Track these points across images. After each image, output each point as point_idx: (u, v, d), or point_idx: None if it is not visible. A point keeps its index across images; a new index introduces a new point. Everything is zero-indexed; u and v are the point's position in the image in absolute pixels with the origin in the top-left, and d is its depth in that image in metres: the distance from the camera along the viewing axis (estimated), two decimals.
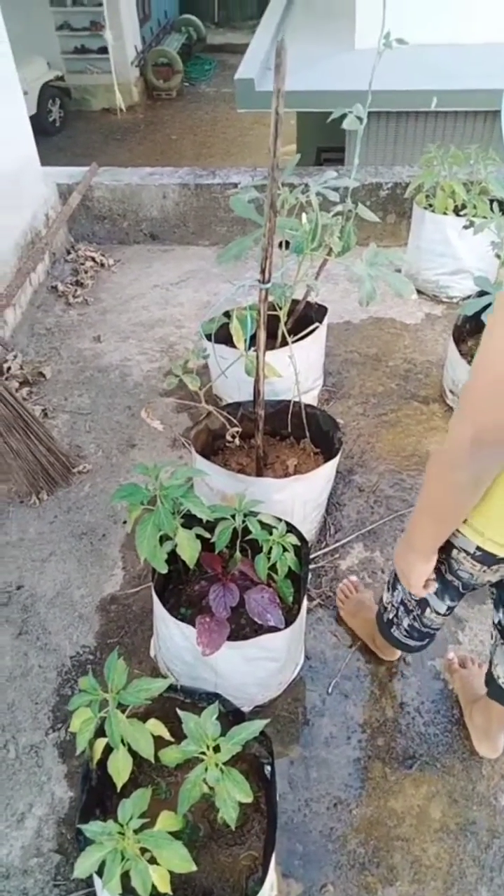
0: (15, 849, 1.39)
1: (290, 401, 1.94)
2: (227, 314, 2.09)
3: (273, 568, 1.48)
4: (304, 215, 1.96)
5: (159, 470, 1.44)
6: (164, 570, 1.41)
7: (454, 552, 1.12)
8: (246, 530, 1.52)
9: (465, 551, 1.09)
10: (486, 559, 1.07)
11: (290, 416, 1.95)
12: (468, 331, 2.34)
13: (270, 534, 1.52)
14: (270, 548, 1.49)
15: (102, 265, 3.14)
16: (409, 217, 3.10)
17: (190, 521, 1.45)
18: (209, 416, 1.90)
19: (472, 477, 0.95)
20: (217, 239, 3.25)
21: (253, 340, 1.76)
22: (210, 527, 1.49)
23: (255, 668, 1.46)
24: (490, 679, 1.35)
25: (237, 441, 1.90)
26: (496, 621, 1.26)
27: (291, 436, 2.01)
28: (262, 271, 1.56)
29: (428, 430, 2.28)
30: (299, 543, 1.53)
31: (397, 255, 1.91)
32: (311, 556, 1.89)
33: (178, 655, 1.48)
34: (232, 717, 1.30)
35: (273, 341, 1.98)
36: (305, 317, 2.22)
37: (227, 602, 1.38)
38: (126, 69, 8.06)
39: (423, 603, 1.29)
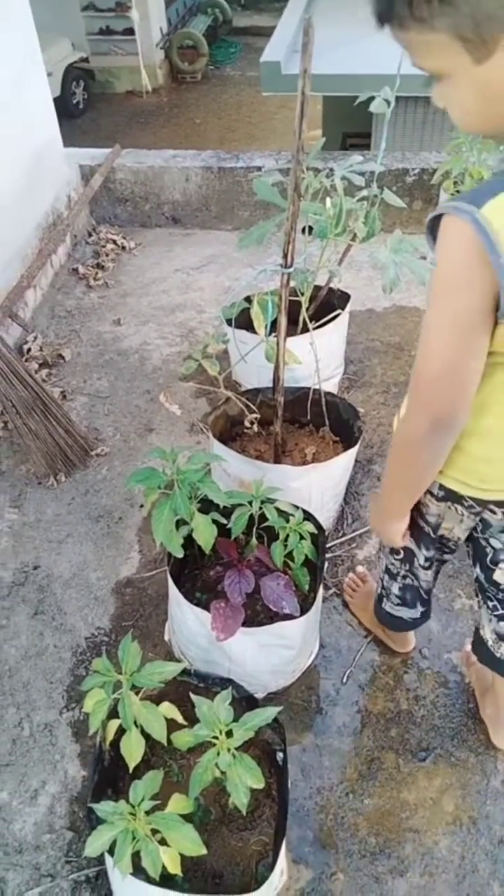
0: (28, 824, 1.41)
1: (309, 388, 1.92)
2: (248, 299, 2.07)
3: (289, 555, 1.47)
4: (328, 199, 1.93)
5: (177, 454, 1.44)
6: (179, 554, 1.41)
7: (421, 496, 1.15)
8: (263, 517, 1.51)
9: (430, 492, 1.14)
10: (449, 496, 1.11)
11: (309, 403, 1.93)
12: None
13: (287, 521, 1.51)
14: (287, 535, 1.48)
15: (124, 248, 3.13)
16: (436, 204, 3.05)
17: (207, 506, 1.45)
18: (228, 401, 1.89)
19: (433, 454, 1.01)
20: (239, 223, 3.22)
21: (274, 326, 1.74)
22: (227, 512, 1.49)
23: (269, 654, 1.46)
24: (478, 641, 1.34)
25: (255, 427, 1.89)
26: (474, 577, 1.26)
27: (311, 423, 1.99)
28: (285, 255, 1.54)
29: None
30: (316, 532, 1.52)
31: (422, 242, 1.87)
32: (328, 545, 1.88)
33: (193, 640, 1.48)
34: (245, 702, 1.30)
35: (294, 327, 1.96)
36: (328, 303, 2.19)
37: (242, 588, 1.38)
38: (151, 51, 7.99)
39: (405, 559, 1.31)
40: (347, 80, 3.46)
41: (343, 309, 2.19)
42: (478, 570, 1.24)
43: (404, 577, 1.35)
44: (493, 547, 1.17)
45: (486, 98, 0.82)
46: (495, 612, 1.26)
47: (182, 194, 3.14)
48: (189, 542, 1.45)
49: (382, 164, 2.19)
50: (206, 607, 1.41)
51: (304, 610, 1.43)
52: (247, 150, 3.18)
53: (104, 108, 7.75)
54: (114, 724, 1.21)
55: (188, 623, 1.45)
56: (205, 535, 1.41)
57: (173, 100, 8.69)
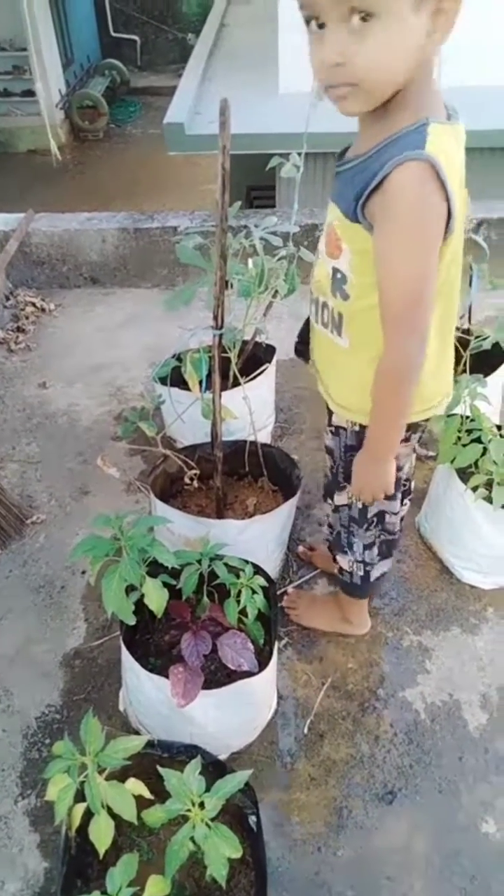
0: None
1: (246, 441, 1.95)
2: (176, 357, 2.10)
3: (242, 611, 1.48)
4: (249, 260, 2.00)
5: (122, 520, 1.43)
6: (132, 622, 1.39)
7: None
8: (212, 574, 1.52)
9: None
10: (413, 431, 1.34)
11: (247, 455, 1.97)
12: None
13: (238, 577, 1.52)
14: (239, 591, 1.49)
15: (43, 310, 3.11)
16: None
17: (154, 568, 1.44)
18: (166, 459, 1.90)
19: (419, 373, 1.16)
20: (158, 281, 3.27)
21: (206, 382, 1.78)
22: (175, 573, 1.48)
23: (231, 714, 1.45)
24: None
25: (196, 483, 1.90)
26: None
27: (249, 475, 2.02)
28: (215, 318, 1.59)
29: None
30: (267, 584, 1.53)
31: None
32: (277, 594, 1.89)
33: (152, 708, 1.45)
34: (212, 768, 1.28)
35: (225, 382, 1.99)
36: (254, 356, 2.25)
37: (199, 650, 1.37)
38: (52, 111, 8.08)
39: (380, 518, 1.50)
40: (249, 139, 3.63)
41: (270, 361, 2.26)
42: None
43: (381, 536, 1.53)
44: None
45: (403, 46, 0.94)
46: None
47: (99, 255, 3.17)
48: (139, 607, 1.43)
49: (296, 223, 2.31)
50: (163, 673, 1.39)
51: (261, 664, 1.44)
52: (161, 211, 3.26)
53: (6, 168, 7.74)
54: (79, 809, 1.16)
55: (146, 692, 1.43)
56: (157, 600, 1.40)
57: (77, 157, 8.78)
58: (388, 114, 1.03)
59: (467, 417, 1.85)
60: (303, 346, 1.50)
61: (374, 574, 1.60)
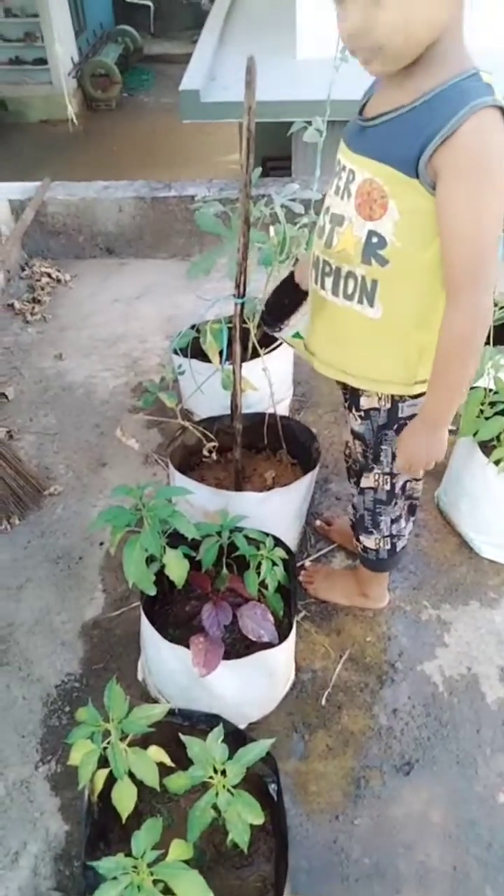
0: (11, 891, 1.34)
1: (265, 413, 1.94)
2: (195, 328, 2.08)
3: (262, 583, 1.48)
4: (271, 228, 1.97)
5: (142, 491, 1.42)
6: (153, 592, 1.39)
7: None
8: (232, 546, 1.51)
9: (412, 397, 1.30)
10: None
11: (265, 428, 1.95)
12: None
13: (258, 549, 1.51)
14: (259, 563, 1.48)
15: (59, 281, 3.09)
16: None
17: (174, 540, 1.44)
18: (185, 431, 1.89)
19: None
20: (175, 251, 3.23)
21: (226, 353, 1.76)
22: (195, 544, 1.48)
23: (250, 685, 1.45)
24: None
25: (214, 456, 1.89)
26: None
27: (268, 448, 2.01)
28: (238, 286, 1.56)
29: None
30: (287, 557, 1.53)
31: None
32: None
33: (171, 678, 1.46)
34: (232, 737, 1.28)
35: (244, 353, 1.98)
36: None
37: (220, 621, 1.37)
38: (64, 80, 7.96)
39: (403, 490, 1.48)
40: (265, 107, 3.54)
41: None
42: None
43: (408, 505, 1.54)
44: None
45: (424, 11, 0.95)
46: None
47: (115, 225, 3.13)
48: (159, 577, 1.43)
49: (318, 190, 2.26)
50: (182, 643, 1.40)
51: (280, 636, 1.44)
52: (178, 180, 3.21)
53: (18, 139, 7.65)
54: (101, 775, 1.17)
55: (166, 662, 1.43)
56: (178, 570, 1.40)
57: (89, 128, 8.66)
58: (425, 68, 1.01)
59: (490, 390, 1.82)
60: (271, 318, 1.45)
61: (400, 544, 1.59)
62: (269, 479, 1.91)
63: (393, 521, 1.54)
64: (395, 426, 1.36)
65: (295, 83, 3.84)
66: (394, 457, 1.38)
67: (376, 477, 1.46)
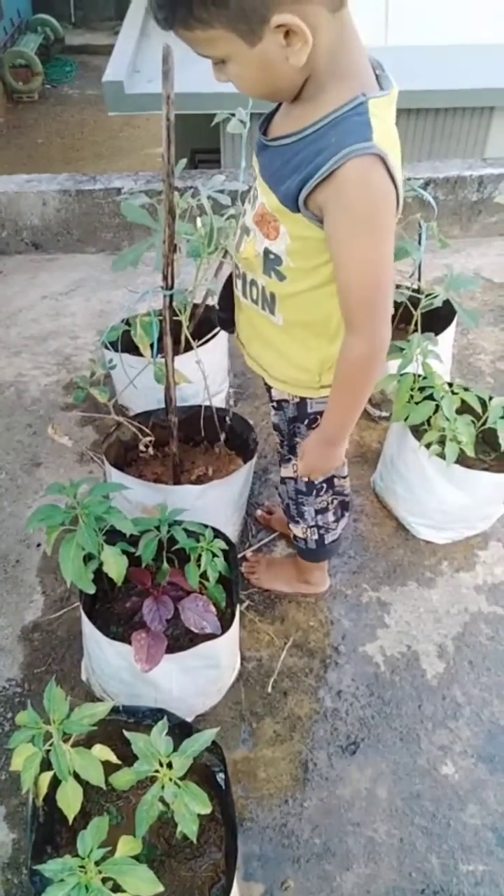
0: None
1: (200, 406, 1.93)
2: (126, 321, 2.05)
3: (203, 575, 1.48)
4: (198, 220, 1.96)
5: (76, 488, 1.40)
6: (91, 590, 1.38)
7: None
8: (171, 540, 1.51)
9: None
10: None
11: (202, 420, 1.95)
12: None
13: (197, 541, 1.51)
14: (199, 555, 1.48)
15: None
16: None
17: (112, 536, 1.42)
18: (119, 427, 1.86)
19: None
20: (104, 245, 3.17)
21: (158, 347, 1.74)
22: (133, 540, 1.47)
23: (195, 677, 1.45)
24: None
25: (151, 451, 1.87)
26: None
27: (205, 440, 2.00)
28: (165, 278, 1.54)
29: None
30: (227, 547, 1.53)
31: None
32: (238, 558, 1.89)
33: (115, 675, 1.44)
34: (178, 730, 1.28)
35: (177, 346, 1.96)
36: (206, 320, 2.21)
37: (161, 615, 1.36)
38: None
39: (330, 484, 1.52)
40: (193, 99, 3.52)
41: None
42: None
43: (332, 502, 1.56)
44: None
45: (263, 70, 0.98)
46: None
47: (41, 219, 3.05)
48: (98, 575, 1.41)
49: (243, 182, 2.26)
50: (125, 640, 1.38)
51: (223, 627, 1.44)
52: (104, 173, 3.15)
53: None
54: (45, 778, 1.15)
55: (108, 659, 1.41)
56: (116, 567, 1.38)
57: (11, 120, 8.41)
58: (311, 95, 1.01)
59: (420, 376, 1.87)
60: (225, 315, 1.45)
61: (329, 538, 1.62)
62: (207, 472, 1.91)
63: (318, 512, 1.56)
64: (306, 420, 1.40)
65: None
66: None
67: (294, 468, 1.49)
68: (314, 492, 1.52)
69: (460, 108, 3.96)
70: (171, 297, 1.58)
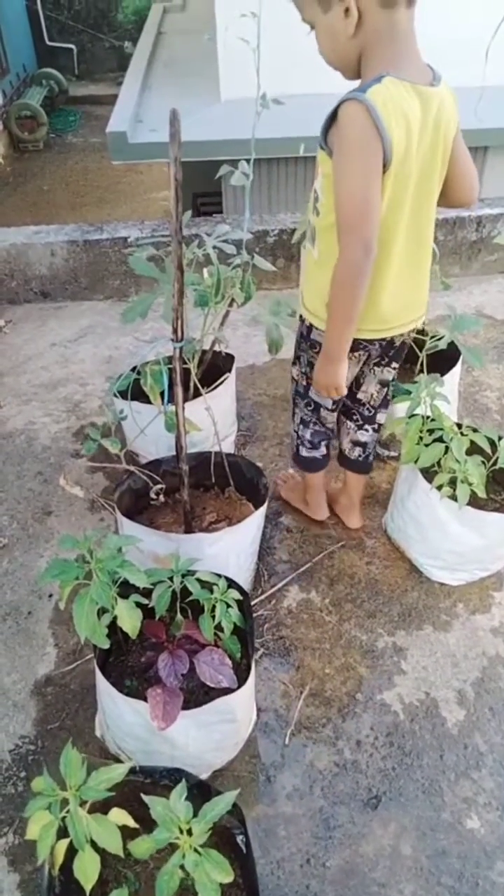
0: None
1: (210, 452, 1.94)
2: (135, 370, 2.07)
3: (218, 626, 1.46)
4: (205, 270, 1.99)
5: (90, 542, 1.39)
6: (106, 645, 1.36)
7: None
8: (185, 591, 1.50)
9: None
10: (353, 347, 1.54)
11: (212, 466, 1.95)
12: None
13: (211, 591, 1.50)
14: (213, 606, 1.47)
15: None
16: (298, 260, 3.23)
17: (125, 588, 1.41)
18: (131, 475, 1.87)
19: (366, 278, 1.37)
20: (111, 293, 3.23)
21: (167, 394, 1.75)
22: (146, 591, 1.46)
23: (211, 732, 1.43)
24: (341, 455, 1.99)
25: (162, 498, 1.87)
26: (342, 405, 1.86)
27: (215, 486, 2.01)
28: (175, 331, 1.56)
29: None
30: (241, 597, 1.52)
31: (294, 301, 1.98)
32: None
33: (130, 732, 1.42)
34: (197, 790, 1.25)
35: (186, 393, 1.98)
36: (213, 366, 2.23)
37: (177, 671, 1.35)
38: None
39: (316, 409, 1.83)
40: (195, 146, 3.62)
41: (229, 370, 2.25)
42: (345, 398, 1.83)
43: (315, 423, 1.87)
44: (362, 374, 1.77)
45: (331, 39, 1.33)
46: (356, 423, 1.90)
47: (49, 269, 3.11)
48: (112, 628, 1.40)
49: (247, 231, 2.30)
50: (139, 696, 1.36)
51: (239, 679, 1.42)
52: (110, 221, 3.22)
53: None
54: (62, 846, 1.12)
55: (123, 716, 1.39)
56: (131, 621, 1.37)
57: (17, 169, 8.64)
58: (363, 74, 1.35)
59: (428, 418, 1.87)
60: None
61: (303, 451, 1.95)
62: (218, 518, 1.91)
63: (301, 422, 1.89)
64: (307, 343, 1.70)
65: (221, 123, 3.94)
66: (309, 365, 1.73)
67: (296, 373, 1.82)
68: (304, 401, 1.84)
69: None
70: (181, 349, 1.59)
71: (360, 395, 1.83)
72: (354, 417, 1.89)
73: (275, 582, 1.96)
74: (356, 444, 1.93)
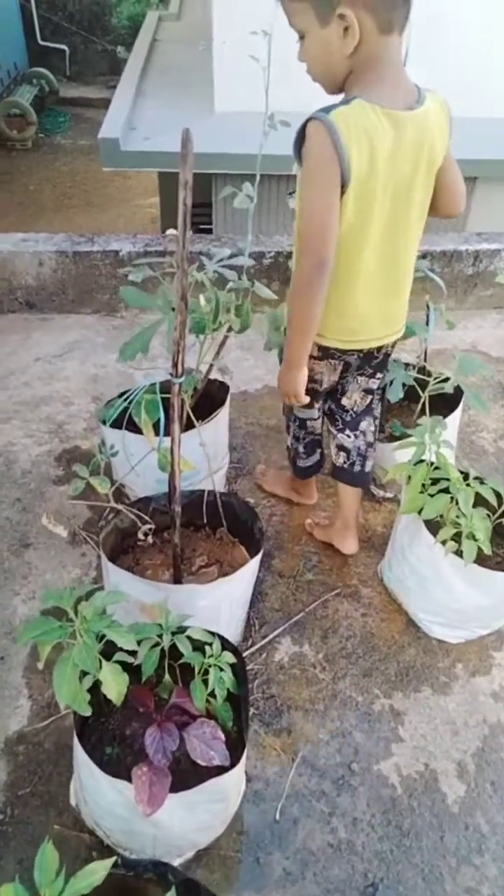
0: None
1: (203, 491, 1.82)
2: (124, 396, 1.95)
3: (210, 692, 1.34)
4: (201, 296, 1.88)
5: (72, 598, 1.27)
6: (88, 713, 1.24)
7: (309, 363, 1.62)
8: (174, 647, 1.38)
9: (312, 357, 1.65)
10: (325, 354, 1.67)
11: (204, 505, 1.84)
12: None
13: (203, 653, 1.38)
14: (205, 669, 1.35)
15: None
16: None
17: (108, 645, 1.28)
18: (117, 514, 1.74)
19: (318, 291, 1.43)
20: (99, 307, 3.10)
21: (160, 425, 1.64)
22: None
23: (198, 813, 1.30)
24: (332, 467, 2.00)
25: (150, 539, 1.75)
26: (327, 408, 1.93)
27: (207, 526, 1.89)
28: (175, 365, 1.45)
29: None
30: (235, 660, 1.40)
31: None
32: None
33: (110, 811, 1.29)
34: (183, 888, 1.13)
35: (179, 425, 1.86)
36: (207, 393, 2.13)
37: (166, 747, 1.22)
38: None
39: (302, 423, 1.93)
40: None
41: (224, 399, 2.14)
42: (331, 403, 1.90)
43: (304, 436, 1.96)
44: (345, 382, 1.81)
45: (324, 52, 1.34)
46: (337, 427, 1.92)
47: (35, 279, 2.97)
48: (93, 689, 1.27)
49: (243, 251, 2.20)
50: (121, 765, 1.24)
51: (231, 752, 1.30)
52: (101, 234, 3.09)
53: None
54: None
55: (104, 794, 1.27)
56: (116, 686, 1.25)
57: (4, 167, 8.46)
58: (345, 92, 1.39)
59: (433, 465, 1.78)
60: None
61: (299, 463, 2.04)
62: (209, 562, 1.79)
63: (294, 437, 1.98)
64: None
65: (214, 135, 3.85)
66: None
67: None
68: (290, 419, 1.95)
69: None
70: (181, 385, 1.48)
71: (343, 401, 1.87)
72: (336, 422, 1.92)
73: (266, 632, 1.84)
74: (340, 448, 1.94)
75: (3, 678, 1.69)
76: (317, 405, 1.87)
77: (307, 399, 1.66)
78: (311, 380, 1.69)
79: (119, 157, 3.92)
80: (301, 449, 1.99)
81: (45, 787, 1.49)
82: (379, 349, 1.71)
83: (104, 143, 3.89)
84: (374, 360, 1.75)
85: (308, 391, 1.66)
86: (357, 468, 1.95)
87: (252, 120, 2.15)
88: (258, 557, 1.68)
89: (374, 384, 1.83)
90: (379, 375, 1.81)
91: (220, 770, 1.25)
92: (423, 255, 3.28)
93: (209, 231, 4.32)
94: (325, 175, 1.33)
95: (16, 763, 1.53)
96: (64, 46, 10.47)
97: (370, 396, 1.86)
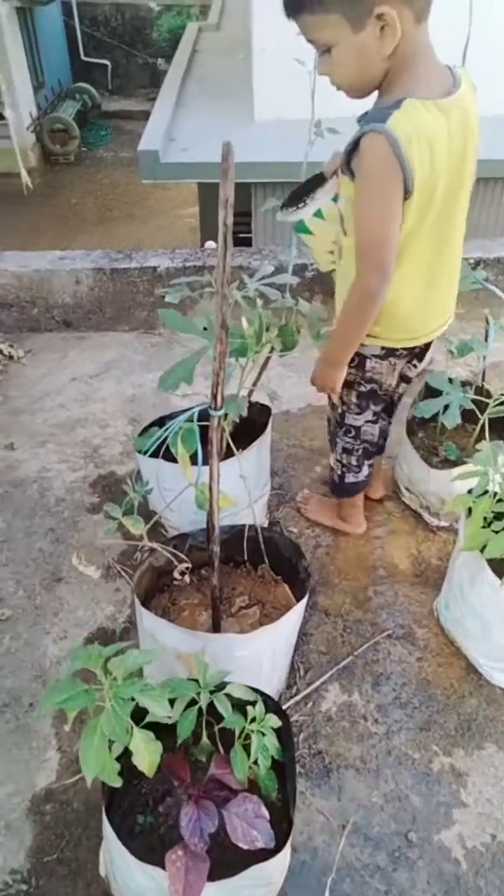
0: None
1: (244, 525, 1.70)
2: (161, 423, 1.84)
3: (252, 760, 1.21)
4: (243, 318, 1.76)
5: (103, 658, 1.16)
6: (118, 784, 1.12)
7: (367, 363, 1.64)
8: (212, 705, 1.25)
9: (374, 356, 1.63)
10: (388, 354, 1.62)
11: (244, 540, 1.71)
12: (419, 423, 2.20)
13: (245, 715, 1.25)
14: (247, 735, 1.22)
15: (11, 357, 2.83)
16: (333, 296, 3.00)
17: (139, 708, 1.17)
18: (152, 552, 1.63)
19: (379, 302, 1.43)
20: (137, 324, 3.01)
21: (198, 455, 1.52)
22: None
23: None
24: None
25: (187, 579, 1.63)
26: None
27: (247, 562, 1.77)
28: (214, 397, 1.33)
29: (389, 532, 2.10)
30: (280, 723, 1.27)
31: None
32: (284, 707, 1.62)
33: (140, 895, 1.17)
34: None
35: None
36: (247, 417, 2.00)
37: (204, 829, 1.10)
38: (22, 134, 7.86)
39: (356, 429, 1.82)
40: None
41: (266, 422, 2.01)
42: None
43: (358, 447, 1.85)
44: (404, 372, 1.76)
45: (359, 57, 1.26)
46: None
47: (73, 297, 2.90)
48: (124, 752, 1.16)
49: (291, 272, 2.07)
50: (153, 836, 1.12)
51: (275, 827, 1.16)
52: (139, 250, 3.01)
53: None
54: None
55: (134, 877, 1.14)
56: (148, 757, 1.13)
57: (48, 181, 8.56)
58: (381, 92, 1.33)
59: (496, 496, 1.62)
60: (290, 200, 1.62)
61: (349, 478, 1.92)
62: (250, 603, 1.66)
63: (344, 451, 1.86)
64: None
65: (254, 145, 3.76)
66: (347, 386, 1.69)
67: (336, 398, 1.77)
68: (342, 430, 1.82)
69: (492, 178, 3.83)
70: (220, 418, 1.36)
71: (400, 389, 1.82)
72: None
73: (312, 678, 1.70)
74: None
75: (32, 727, 1.59)
76: (373, 408, 1.78)
77: (339, 391, 1.66)
78: (369, 380, 1.67)
79: (158, 170, 3.86)
80: (353, 462, 1.89)
81: (72, 852, 1.38)
82: (428, 341, 1.68)
83: (143, 155, 3.83)
84: (419, 350, 1.69)
85: (365, 393, 1.69)
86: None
87: (292, 128, 2.04)
88: (304, 602, 1.54)
89: (411, 371, 1.78)
90: (416, 363, 1.75)
91: (265, 853, 1.12)
92: (477, 263, 3.10)
93: (248, 242, 4.22)
94: (387, 189, 1.29)
95: (42, 824, 1.42)
96: (106, 61, 10.60)
97: (407, 385, 1.82)
